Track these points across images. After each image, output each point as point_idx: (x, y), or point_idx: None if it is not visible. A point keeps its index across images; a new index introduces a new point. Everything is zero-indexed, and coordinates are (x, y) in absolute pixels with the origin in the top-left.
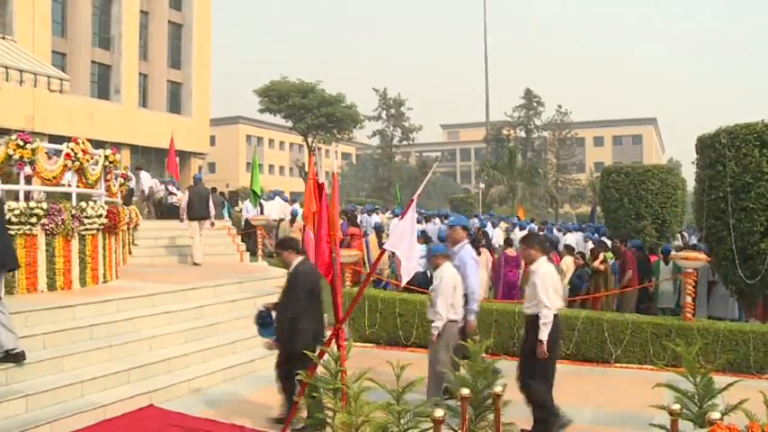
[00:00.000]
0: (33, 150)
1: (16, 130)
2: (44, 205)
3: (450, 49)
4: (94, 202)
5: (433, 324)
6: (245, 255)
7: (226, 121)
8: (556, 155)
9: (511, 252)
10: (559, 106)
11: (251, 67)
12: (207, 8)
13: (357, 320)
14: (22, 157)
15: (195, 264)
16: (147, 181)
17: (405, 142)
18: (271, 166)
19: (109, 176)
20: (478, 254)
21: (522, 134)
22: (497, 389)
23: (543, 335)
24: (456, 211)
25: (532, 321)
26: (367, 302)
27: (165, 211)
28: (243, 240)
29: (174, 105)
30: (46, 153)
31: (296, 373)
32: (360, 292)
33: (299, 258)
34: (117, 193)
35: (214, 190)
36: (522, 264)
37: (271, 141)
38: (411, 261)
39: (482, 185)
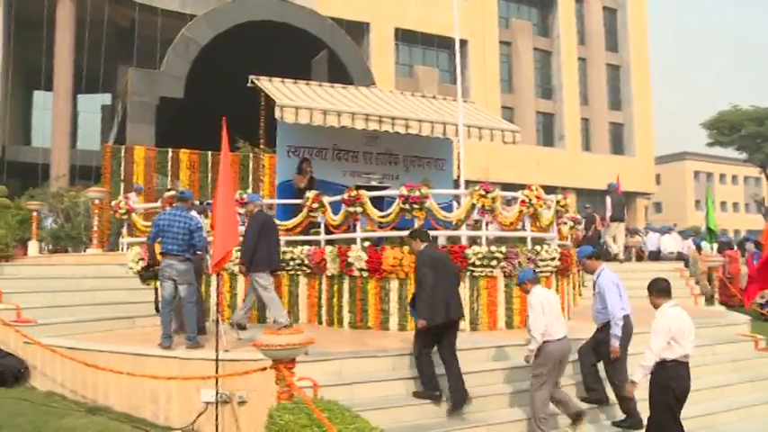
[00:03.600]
0: (493, 199)
1: (475, 182)
2: (503, 249)
3: None
4: (548, 245)
5: (528, 347)
6: (699, 298)
7: (670, 158)
8: None
9: None
10: None
11: (695, 101)
12: (644, 48)
13: None
14: (483, 206)
15: (617, 259)
16: None
17: None
18: (723, 203)
19: (560, 220)
20: None
21: None
22: None
23: None
24: None
25: None
26: None
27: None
28: None
29: (617, 146)
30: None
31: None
32: None
33: (424, 244)
34: (567, 236)
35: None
36: None
37: (722, 176)
38: None
39: None
